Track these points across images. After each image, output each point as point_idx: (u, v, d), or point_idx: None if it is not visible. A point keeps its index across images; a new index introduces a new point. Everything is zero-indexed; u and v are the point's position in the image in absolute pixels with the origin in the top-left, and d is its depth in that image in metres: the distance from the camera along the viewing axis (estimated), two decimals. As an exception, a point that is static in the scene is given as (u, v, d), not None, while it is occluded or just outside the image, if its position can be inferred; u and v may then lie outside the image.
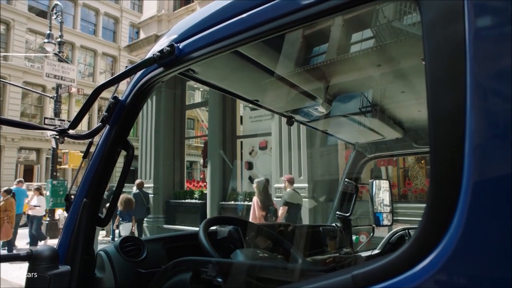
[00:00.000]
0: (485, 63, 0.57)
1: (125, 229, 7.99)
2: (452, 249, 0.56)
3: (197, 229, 1.35)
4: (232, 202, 8.88)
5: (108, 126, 1.25)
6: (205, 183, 10.07)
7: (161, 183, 10.40)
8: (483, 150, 0.56)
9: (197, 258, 1.15)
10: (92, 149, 1.35)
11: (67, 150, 13.92)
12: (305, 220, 6.24)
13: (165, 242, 1.53)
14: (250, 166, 9.22)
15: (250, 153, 9.34)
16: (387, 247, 2.56)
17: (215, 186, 9.22)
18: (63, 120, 11.45)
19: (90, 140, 1.28)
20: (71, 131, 1.24)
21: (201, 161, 11.33)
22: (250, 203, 8.43)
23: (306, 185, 6.96)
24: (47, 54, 12.39)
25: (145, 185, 10.28)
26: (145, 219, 9.42)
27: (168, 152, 10.65)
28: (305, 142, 6.99)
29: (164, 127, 10.49)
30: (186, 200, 9.93)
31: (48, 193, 10.53)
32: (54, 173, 10.97)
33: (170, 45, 1.09)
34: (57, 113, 11.32)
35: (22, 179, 10.70)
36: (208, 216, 9.09)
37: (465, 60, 0.57)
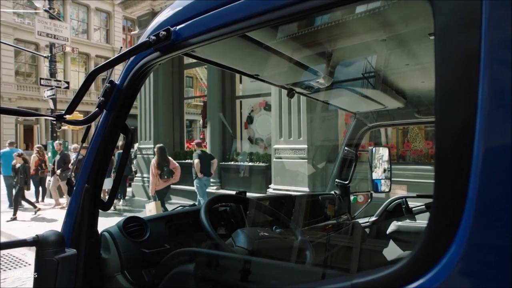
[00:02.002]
0: (501, 77, 0.54)
1: (106, 183, 8.49)
2: (456, 262, 0.55)
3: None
4: (232, 163, 8.99)
5: (105, 111, 1.23)
6: (205, 143, 10.13)
7: (161, 143, 10.45)
8: (491, 161, 0.55)
9: (200, 250, 1.17)
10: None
11: (65, 111, 13.81)
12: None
13: (167, 221, 1.56)
14: (250, 120, 9.25)
15: (250, 113, 9.32)
16: (384, 215, 2.62)
17: (215, 146, 9.28)
18: (60, 81, 11.25)
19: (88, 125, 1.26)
20: (67, 116, 1.21)
21: (201, 121, 11.33)
22: (251, 163, 8.58)
23: (306, 146, 7.00)
24: (37, 11, 11.88)
25: (145, 146, 10.41)
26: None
27: (167, 112, 10.60)
28: (305, 103, 6.93)
29: (162, 86, 10.35)
30: (187, 161, 10.04)
31: (49, 154, 10.64)
32: (54, 135, 10.99)
33: (167, 29, 1.03)
34: (52, 73, 11.10)
35: (13, 141, 10.61)
36: (209, 176, 9.25)
37: (479, 72, 0.55)
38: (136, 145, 11.02)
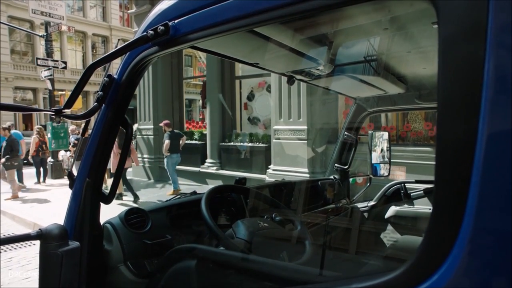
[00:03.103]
0: (504, 91, 0.54)
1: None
2: (457, 268, 0.56)
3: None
4: (232, 144, 9.00)
5: (104, 106, 1.22)
6: (204, 124, 10.12)
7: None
8: (492, 173, 0.55)
9: (202, 247, 1.19)
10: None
11: (64, 92, 13.70)
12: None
13: (169, 211, 1.58)
14: (250, 98, 9.24)
15: (250, 92, 9.25)
16: (382, 199, 2.66)
17: (214, 127, 9.28)
18: (56, 61, 11.09)
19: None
20: (66, 111, 1.21)
21: (200, 101, 11.28)
22: (251, 144, 8.59)
23: (305, 127, 6.99)
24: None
25: (144, 127, 10.43)
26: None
27: (167, 92, 10.55)
28: (304, 84, 6.85)
29: (161, 65, 10.24)
30: (186, 141, 10.06)
31: (49, 135, 10.62)
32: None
33: (165, 24, 1.01)
34: (49, 53, 10.92)
35: (12, 123, 10.26)
36: (208, 156, 9.29)
37: (482, 85, 0.54)
38: (135, 126, 11.00)
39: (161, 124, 8.74)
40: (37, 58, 10.97)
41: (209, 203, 1.35)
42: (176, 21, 1.02)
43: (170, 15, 1.06)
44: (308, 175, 6.87)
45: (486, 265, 0.56)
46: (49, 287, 1.13)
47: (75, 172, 1.34)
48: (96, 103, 1.21)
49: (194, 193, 1.93)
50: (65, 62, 11.48)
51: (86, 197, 1.24)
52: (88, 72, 1.15)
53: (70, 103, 1.18)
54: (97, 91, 1.23)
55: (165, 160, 8.21)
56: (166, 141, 8.05)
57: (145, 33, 1.06)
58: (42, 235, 1.15)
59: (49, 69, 10.65)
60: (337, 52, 1.87)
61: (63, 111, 1.20)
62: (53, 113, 1.21)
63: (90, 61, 25.90)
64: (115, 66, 1.28)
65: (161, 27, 1.01)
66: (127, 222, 1.42)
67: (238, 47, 1.53)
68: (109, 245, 1.36)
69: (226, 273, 1.04)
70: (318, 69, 1.95)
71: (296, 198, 2.25)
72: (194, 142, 9.90)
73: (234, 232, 1.29)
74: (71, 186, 1.31)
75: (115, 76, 1.21)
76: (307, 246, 1.38)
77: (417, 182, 2.67)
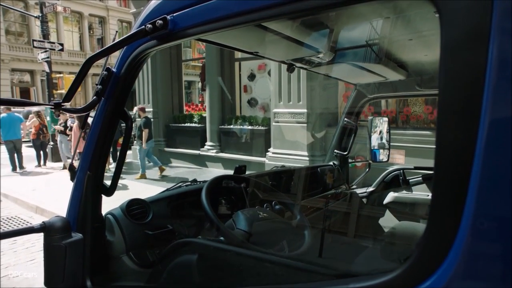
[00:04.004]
0: (505, 99, 0.54)
1: None
2: (456, 266, 0.56)
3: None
4: (232, 127, 8.99)
5: (103, 99, 1.22)
6: (204, 106, 10.07)
7: (160, 107, 10.41)
8: (491, 180, 0.56)
9: (203, 242, 1.21)
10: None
11: (61, 74, 13.55)
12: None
13: (169, 201, 1.60)
14: (251, 79, 9.16)
15: (250, 74, 9.16)
16: (381, 185, 2.68)
17: (214, 109, 9.24)
18: (53, 42, 10.94)
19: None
20: (66, 105, 1.21)
21: (199, 83, 11.19)
22: (250, 127, 8.58)
23: (305, 110, 6.97)
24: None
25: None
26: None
27: (166, 74, 10.45)
28: (305, 67, 6.79)
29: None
30: (186, 124, 10.05)
31: (48, 118, 10.59)
32: (52, 99, 10.87)
33: (163, 18, 1.00)
34: (45, 34, 10.74)
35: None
36: (208, 139, 9.30)
37: (483, 94, 0.54)
38: (135, 109, 10.96)
39: (135, 109, 8.64)
40: (34, 40, 10.81)
41: (209, 195, 1.36)
42: (174, 15, 1.01)
43: (168, 8, 1.04)
44: (307, 158, 6.90)
45: (485, 264, 0.57)
46: (54, 279, 1.16)
47: (75, 164, 1.35)
48: (95, 97, 1.21)
49: (195, 181, 1.94)
50: (61, 44, 11.32)
51: (88, 190, 1.25)
52: (86, 65, 1.14)
53: (69, 96, 1.18)
54: (96, 84, 1.22)
55: (144, 146, 7.84)
56: (146, 130, 7.72)
57: (143, 26, 1.04)
58: (45, 228, 1.16)
59: (46, 51, 10.50)
60: (337, 39, 1.84)
61: (62, 104, 1.20)
62: (52, 107, 1.20)
63: (87, 42, 25.58)
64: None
65: (160, 21, 1.00)
66: (128, 213, 1.44)
67: (238, 38, 1.51)
68: (111, 236, 1.38)
69: (227, 266, 1.06)
70: (318, 57, 1.93)
71: (296, 185, 2.27)
72: (193, 125, 9.88)
73: (234, 223, 1.30)
74: (72, 179, 1.32)
75: (114, 70, 1.20)
76: (307, 235, 1.40)
77: (416, 168, 2.69)
